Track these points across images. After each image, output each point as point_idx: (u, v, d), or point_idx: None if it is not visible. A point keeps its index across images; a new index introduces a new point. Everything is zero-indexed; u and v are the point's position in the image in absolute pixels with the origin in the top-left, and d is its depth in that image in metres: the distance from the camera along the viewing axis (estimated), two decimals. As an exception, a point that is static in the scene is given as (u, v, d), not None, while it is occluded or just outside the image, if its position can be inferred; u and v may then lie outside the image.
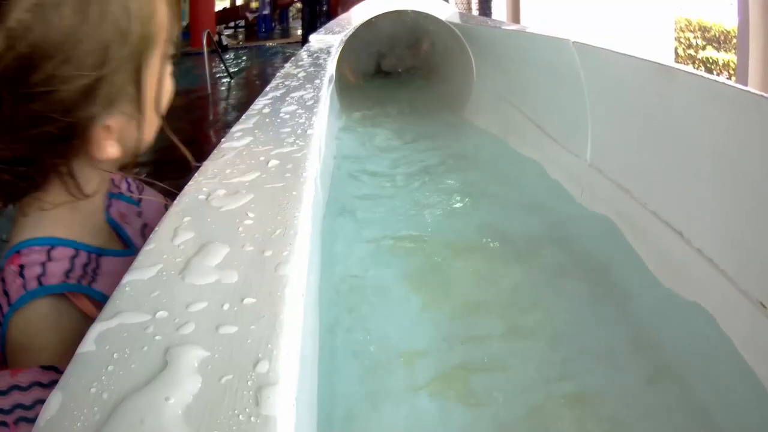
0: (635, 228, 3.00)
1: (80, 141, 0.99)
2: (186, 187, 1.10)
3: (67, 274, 1.03)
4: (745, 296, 2.23)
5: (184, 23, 27.40)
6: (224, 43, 20.56)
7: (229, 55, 19.24)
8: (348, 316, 2.27)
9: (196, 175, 1.16)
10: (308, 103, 1.78)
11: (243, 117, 1.65)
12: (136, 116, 1.07)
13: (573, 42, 3.34)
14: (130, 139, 1.08)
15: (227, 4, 34.10)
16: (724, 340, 2.27)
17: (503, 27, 3.71)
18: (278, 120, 1.57)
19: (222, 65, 14.11)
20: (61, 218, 1.08)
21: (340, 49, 4.43)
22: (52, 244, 1.06)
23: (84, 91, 0.94)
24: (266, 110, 1.72)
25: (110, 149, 1.03)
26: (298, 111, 1.67)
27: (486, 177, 3.31)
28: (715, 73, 13.81)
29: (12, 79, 0.90)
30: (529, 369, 2.00)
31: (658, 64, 2.80)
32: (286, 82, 2.25)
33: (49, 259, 1.03)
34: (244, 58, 19.23)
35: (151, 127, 1.14)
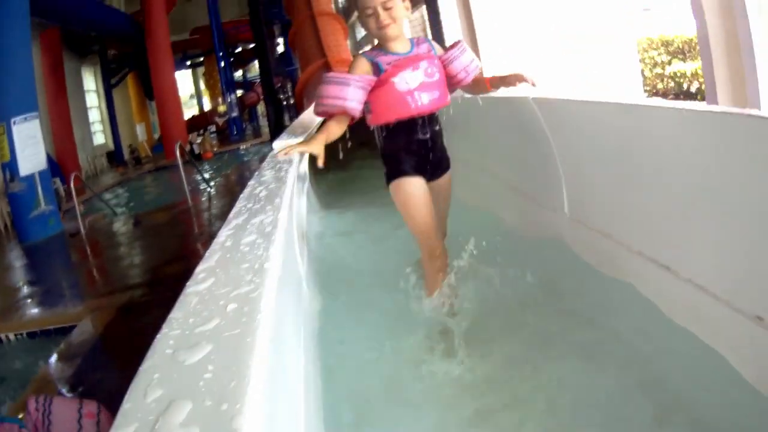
0: (623, 270, 3.17)
1: None
2: (155, 341, 1.19)
3: None
4: (741, 314, 2.40)
5: (156, 136, 27.68)
6: (197, 151, 20.72)
7: (206, 164, 19.38)
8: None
9: (164, 326, 1.25)
10: (266, 230, 1.89)
11: (207, 253, 1.76)
12: None
13: (532, 98, 3.53)
14: None
15: (195, 110, 34.40)
16: (723, 360, 2.49)
17: (465, 94, 3.85)
18: (238, 254, 1.67)
19: (199, 175, 14.23)
20: None
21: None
22: None
23: None
24: (228, 243, 1.84)
25: None
26: (257, 241, 1.77)
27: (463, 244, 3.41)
28: (685, 84, 13.90)
29: None
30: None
31: (617, 103, 2.98)
32: (248, 205, 2.37)
33: None
34: (220, 164, 19.37)
35: None
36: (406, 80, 3.39)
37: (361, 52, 3.63)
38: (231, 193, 12.62)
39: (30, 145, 11.50)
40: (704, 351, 2.59)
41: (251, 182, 2.95)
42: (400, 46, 3.49)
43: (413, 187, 3.49)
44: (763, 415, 2.26)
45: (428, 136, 3.56)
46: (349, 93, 3.34)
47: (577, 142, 3.44)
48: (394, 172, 3.56)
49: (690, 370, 2.57)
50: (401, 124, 3.49)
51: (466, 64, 3.60)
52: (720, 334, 2.54)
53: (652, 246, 3.00)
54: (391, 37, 3.45)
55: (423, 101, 3.42)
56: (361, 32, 39.15)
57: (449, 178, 3.77)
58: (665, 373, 2.61)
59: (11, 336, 6.28)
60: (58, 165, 18.99)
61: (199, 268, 1.61)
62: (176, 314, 1.31)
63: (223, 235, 1.95)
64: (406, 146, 3.55)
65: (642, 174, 2.93)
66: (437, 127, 3.63)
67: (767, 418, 2.24)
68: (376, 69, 3.44)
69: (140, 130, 26.85)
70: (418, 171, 3.55)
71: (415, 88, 3.40)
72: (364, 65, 3.47)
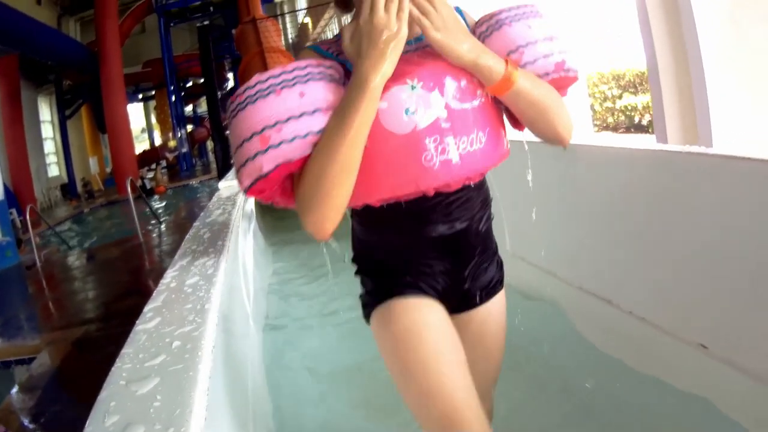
0: (565, 305, 3.31)
1: None
2: (110, 373, 1.37)
3: None
4: (685, 343, 2.54)
5: (108, 169, 27.63)
6: (148, 186, 20.74)
7: (156, 199, 19.42)
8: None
9: (117, 360, 1.43)
10: (209, 272, 2.08)
11: (154, 293, 1.95)
12: None
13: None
14: None
15: (146, 145, 34.32)
16: (673, 389, 2.57)
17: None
18: (183, 295, 1.87)
19: (149, 210, 14.32)
20: None
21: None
22: None
23: None
24: (173, 284, 2.02)
25: None
26: (199, 282, 1.97)
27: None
28: (637, 117, 14.14)
29: None
30: None
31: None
32: (193, 247, 2.54)
33: None
34: (170, 200, 19.40)
35: None
36: (406, 106, 1.56)
37: (309, 44, 1.87)
38: (180, 230, 12.73)
39: (-13, 175, 11.49)
40: (647, 381, 2.68)
41: (196, 223, 3.09)
42: None
43: (418, 317, 1.69)
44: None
45: (458, 229, 1.79)
46: (327, 92, 1.54)
47: (516, 180, 3.59)
48: (378, 291, 1.79)
49: (632, 401, 2.64)
50: (395, 208, 1.69)
51: (519, 39, 1.72)
52: (664, 364, 2.66)
53: (593, 280, 3.15)
54: None
55: (452, 156, 1.60)
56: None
57: (502, 303, 2.00)
58: (607, 403, 2.68)
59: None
60: (15, 196, 18.99)
61: (147, 308, 1.79)
62: (127, 350, 1.49)
63: (169, 276, 2.13)
64: (407, 248, 1.80)
65: (581, 211, 3.09)
66: (481, 212, 1.88)
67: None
68: (342, 75, 1.64)
69: (93, 163, 26.85)
70: (432, 290, 1.79)
71: (432, 125, 1.57)
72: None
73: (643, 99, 13.56)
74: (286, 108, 1.48)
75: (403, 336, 1.65)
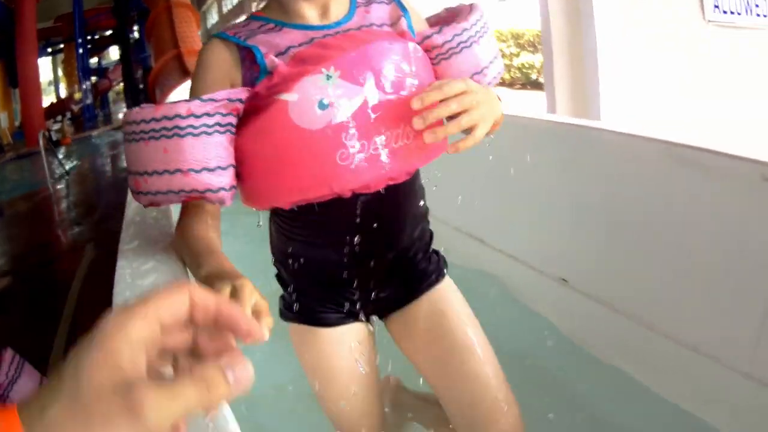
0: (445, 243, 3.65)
1: None
2: (116, 279, 1.69)
3: None
4: (548, 277, 2.97)
5: (17, 123, 27.19)
6: (54, 138, 20.60)
7: (62, 150, 19.27)
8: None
9: (117, 269, 1.75)
10: (162, 207, 2.23)
11: (123, 225, 2.23)
12: None
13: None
14: None
15: (53, 97, 33.70)
16: (534, 314, 2.99)
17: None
18: (149, 223, 2.22)
19: (57, 162, 14.34)
20: None
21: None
22: None
23: None
24: (137, 218, 2.31)
25: None
26: (157, 216, 2.29)
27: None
28: (534, 75, 14.63)
29: None
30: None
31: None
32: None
33: None
34: (76, 151, 19.32)
35: None
36: (320, 98, 1.40)
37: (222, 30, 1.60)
38: (87, 181, 12.94)
39: None
40: (519, 309, 3.08)
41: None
42: (318, 7, 1.56)
43: (328, 349, 1.79)
44: (575, 361, 2.71)
45: (383, 233, 1.67)
46: (191, 152, 1.41)
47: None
48: (294, 307, 1.82)
49: (509, 327, 2.88)
50: (308, 212, 1.58)
51: (484, 61, 1.69)
52: (531, 295, 3.08)
53: (467, 222, 3.58)
54: None
55: (372, 153, 1.44)
56: (212, 19, 37.61)
57: (452, 292, 1.90)
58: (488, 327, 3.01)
59: None
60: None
61: (124, 234, 2.09)
62: (122, 262, 1.81)
63: (131, 213, 2.40)
64: (324, 257, 1.72)
65: (457, 162, 3.32)
66: (413, 211, 1.78)
67: (578, 363, 2.70)
68: (250, 65, 1.50)
69: (3, 117, 26.46)
70: (350, 304, 1.79)
71: (350, 120, 1.42)
72: (220, 57, 1.55)
73: (541, 58, 14.03)
74: (150, 160, 1.44)
75: (317, 371, 1.81)
